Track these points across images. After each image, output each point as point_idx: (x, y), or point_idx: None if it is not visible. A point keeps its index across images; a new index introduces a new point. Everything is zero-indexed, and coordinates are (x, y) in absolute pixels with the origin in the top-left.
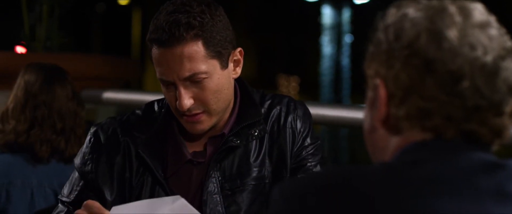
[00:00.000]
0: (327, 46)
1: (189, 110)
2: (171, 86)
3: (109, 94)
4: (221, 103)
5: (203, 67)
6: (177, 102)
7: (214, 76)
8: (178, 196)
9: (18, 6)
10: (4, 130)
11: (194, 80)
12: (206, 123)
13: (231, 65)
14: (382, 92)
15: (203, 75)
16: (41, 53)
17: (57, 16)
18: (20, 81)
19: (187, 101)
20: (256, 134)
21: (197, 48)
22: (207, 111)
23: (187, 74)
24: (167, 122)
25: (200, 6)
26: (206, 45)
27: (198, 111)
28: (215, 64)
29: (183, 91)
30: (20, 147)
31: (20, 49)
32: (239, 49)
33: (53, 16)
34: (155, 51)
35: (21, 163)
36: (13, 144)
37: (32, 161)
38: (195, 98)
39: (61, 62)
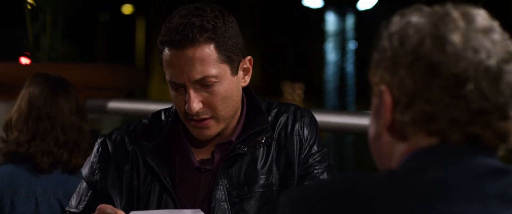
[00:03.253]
0: (331, 53)
1: (197, 114)
2: (181, 89)
3: (113, 104)
4: (229, 109)
5: (214, 71)
6: (186, 105)
7: (224, 82)
8: (199, 210)
9: (22, 16)
10: (7, 140)
11: (204, 84)
12: (213, 128)
13: (240, 72)
14: (387, 99)
15: (214, 79)
16: (45, 63)
17: (61, 26)
18: (24, 93)
19: (196, 105)
20: (263, 141)
21: (209, 51)
22: (215, 117)
23: (198, 77)
24: (174, 130)
25: (214, 12)
26: (218, 49)
27: (206, 116)
28: (225, 69)
29: (192, 94)
30: (22, 157)
31: (24, 61)
32: (249, 57)
33: (57, 26)
34: (166, 53)
35: (24, 173)
36: (15, 154)
37: (35, 171)
38: (204, 102)
39: (65, 72)
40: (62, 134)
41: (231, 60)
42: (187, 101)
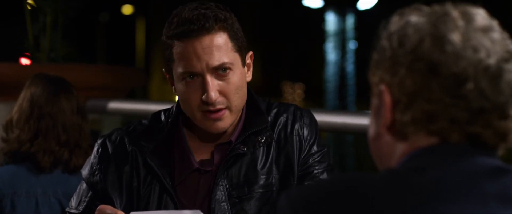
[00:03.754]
0: (331, 53)
1: (213, 104)
2: (196, 79)
3: (114, 104)
4: (240, 100)
5: (229, 58)
6: (204, 95)
7: (237, 71)
8: (198, 211)
9: (22, 17)
10: (8, 139)
11: (221, 72)
12: (227, 120)
13: (245, 67)
14: (387, 98)
15: (230, 66)
16: (45, 64)
17: (61, 27)
18: (26, 93)
19: (215, 93)
20: (263, 141)
21: (224, 39)
22: (229, 108)
23: (216, 63)
24: (173, 130)
25: (218, 7)
26: (231, 38)
27: (222, 106)
28: (238, 59)
29: (211, 82)
30: (23, 156)
31: (24, 61)
32: (250, 53)
33: (57, 27)
34: (179, 45)
35: (25, 173)
36: (16, 153)
37: (36, 170)
38: (220, 92)
39: (66, 72)
40: (63, 133)
41: (241, 51)
42: (205, 90)
